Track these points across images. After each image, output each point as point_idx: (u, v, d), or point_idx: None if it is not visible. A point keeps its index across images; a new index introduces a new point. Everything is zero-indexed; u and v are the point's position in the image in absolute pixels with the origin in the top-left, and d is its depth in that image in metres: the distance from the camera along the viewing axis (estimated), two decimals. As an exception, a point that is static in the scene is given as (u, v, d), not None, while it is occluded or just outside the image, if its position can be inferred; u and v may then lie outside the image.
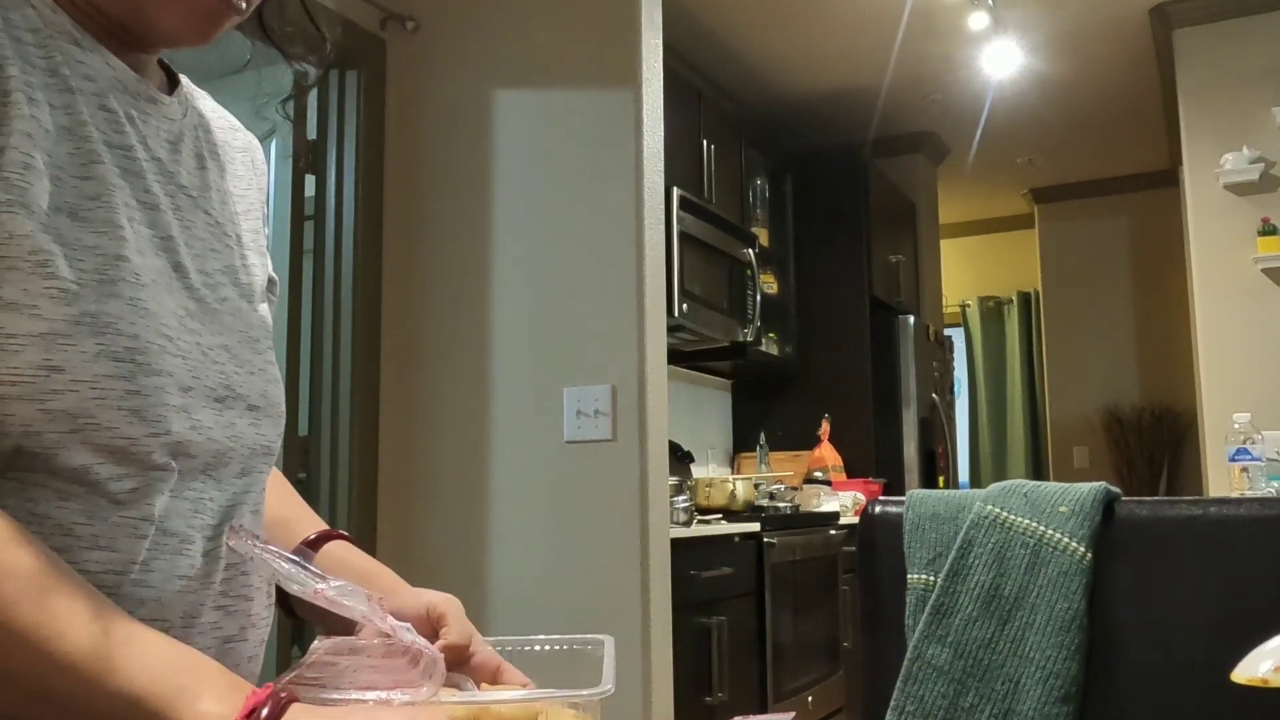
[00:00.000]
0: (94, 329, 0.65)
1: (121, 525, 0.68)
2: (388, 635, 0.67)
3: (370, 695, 0.63)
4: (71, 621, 0.59)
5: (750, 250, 4.24)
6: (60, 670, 0.58)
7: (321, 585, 0.66)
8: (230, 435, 0.76)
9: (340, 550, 0.92)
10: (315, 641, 0.69)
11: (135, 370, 0.67)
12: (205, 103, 0.89)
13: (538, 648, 0.84)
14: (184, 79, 0.86)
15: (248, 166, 0.91)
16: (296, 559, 0.69)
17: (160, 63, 0.84)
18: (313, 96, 3.04)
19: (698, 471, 4.37)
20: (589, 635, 0.80)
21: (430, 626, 0.84)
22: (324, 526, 0.94)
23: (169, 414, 0.69)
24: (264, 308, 0.86)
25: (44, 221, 0.64)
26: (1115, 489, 1.06)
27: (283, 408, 0.85)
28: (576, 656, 0.80)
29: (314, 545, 0.91)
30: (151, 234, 0.73)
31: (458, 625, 0.84)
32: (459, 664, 0.82)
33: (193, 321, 0.74)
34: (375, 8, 3.07)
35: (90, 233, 0.67)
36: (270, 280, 0.93)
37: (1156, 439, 6.24)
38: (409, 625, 0.70)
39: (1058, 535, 1.04)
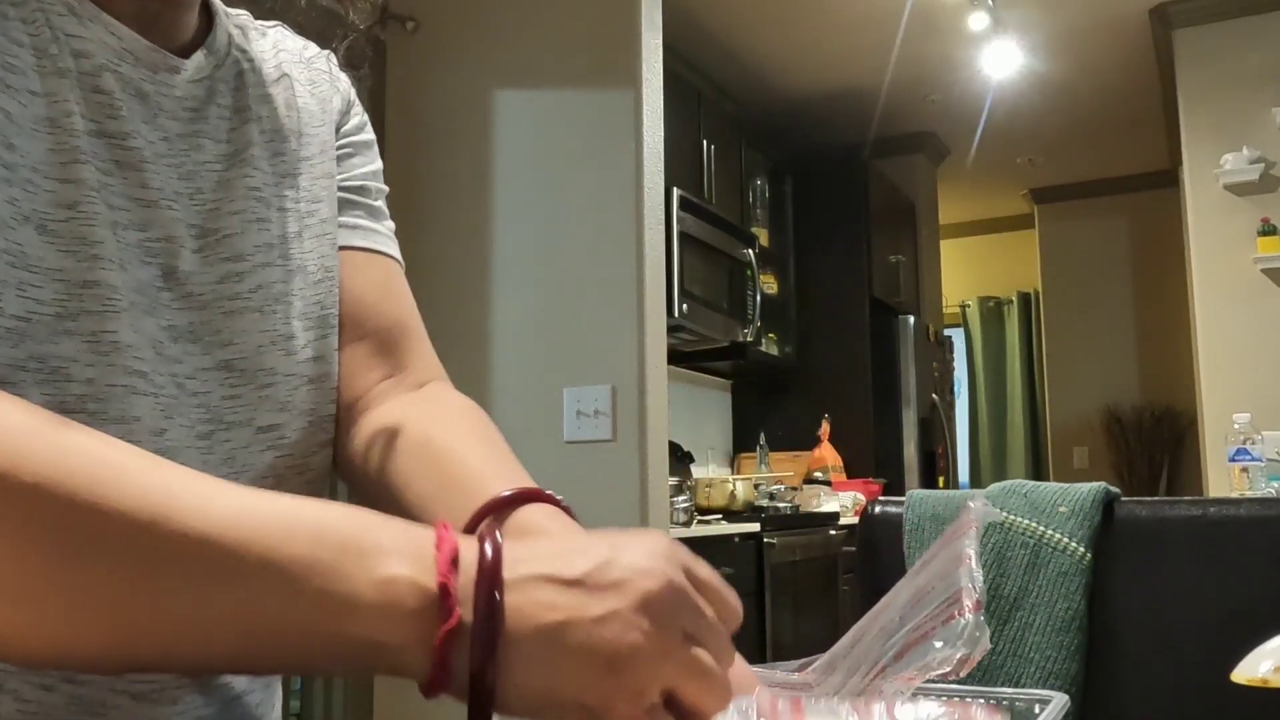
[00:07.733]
0: (41, 375, 0.57)
1: None
2: None
3: None
4: (180, 491, 0.45)
5: (750, 250, 4.23)
6: (180, 558, 0.43)
7: None
8: (232, 471, 0.67)
9: (539, 517, 0.65)
10: None
11: (89, 421, 0.58)
12: (263, 41, 0.78)
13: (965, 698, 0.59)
14: (231, 18, 0.76)
15: (313, 97, 0.79)
16: None
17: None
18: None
19: (698, 472, 4.37)
20: (1036, 692, 0.60)
21: None
22: (521, 484, 0.66)
23: None
24: (329, 285, 0.77)
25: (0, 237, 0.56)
26: (1115, 489, 1.06)
27: (327, 409, 0.74)
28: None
29: (503, 508, 0.64)
30: (142, 237, 0.65)
31: None
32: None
33: (177, 344, 0.66)
34: (375, 8, 3.07)
35: (57, 251, 0.58)
36: (368, 209, 0.84)
37: (1156, 439, 6.24)
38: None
39: (1057, 535, 1.04)
